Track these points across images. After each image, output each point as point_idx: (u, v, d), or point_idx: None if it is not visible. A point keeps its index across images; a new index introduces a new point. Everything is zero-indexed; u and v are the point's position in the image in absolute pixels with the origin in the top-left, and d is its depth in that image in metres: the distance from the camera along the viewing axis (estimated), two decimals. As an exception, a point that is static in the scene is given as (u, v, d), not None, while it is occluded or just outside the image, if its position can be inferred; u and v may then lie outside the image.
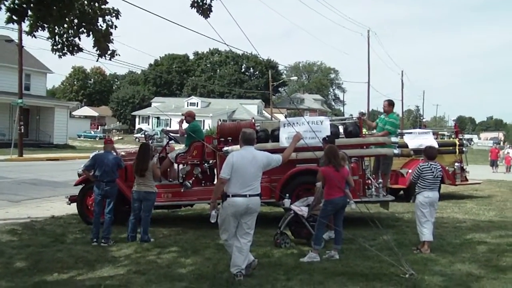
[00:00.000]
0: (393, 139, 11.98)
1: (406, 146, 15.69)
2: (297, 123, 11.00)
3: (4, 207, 13.83)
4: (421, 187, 9.22)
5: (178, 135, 12.36)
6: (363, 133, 12.49)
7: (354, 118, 12.22)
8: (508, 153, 33.27)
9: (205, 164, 11.51)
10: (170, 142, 12.27)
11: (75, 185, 11.81)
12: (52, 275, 7.40)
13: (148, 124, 77.85)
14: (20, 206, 14.07)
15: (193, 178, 11.37)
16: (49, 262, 8.07)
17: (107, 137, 11.34)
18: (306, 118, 11.84)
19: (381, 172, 12.36)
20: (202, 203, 12.43)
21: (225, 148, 10.89)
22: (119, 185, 10.64)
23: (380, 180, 11.73)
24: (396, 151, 11.84)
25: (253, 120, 12.04)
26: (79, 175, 11.75)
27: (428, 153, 9.51)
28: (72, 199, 11.63)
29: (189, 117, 12.09)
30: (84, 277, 7.36)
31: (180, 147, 12.42)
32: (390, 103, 13.00)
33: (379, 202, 11.89)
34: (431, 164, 9.23)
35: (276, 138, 11.22)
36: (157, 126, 71.25)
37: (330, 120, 11.62)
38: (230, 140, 11.31)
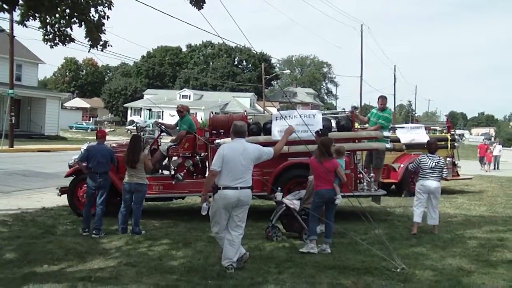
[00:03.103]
0: (385, 133, 11.99)
1: (398, 140, 15.69)
2: (289, 116, 10.98)
3: (-7, 198, 13.76)
4: (419, 176, 10.26)
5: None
6: (355, 127, 12.50)
7: (347, 112, 12.21)
8: (491, 150, 32.95)
9: (197, 157, 11.48)
10: (161, 134, 12.23)
11: (66, 176, 11.76)
12: (42, 266, 7.36)
13: (140, 116, 77.58)
14: (11, 198, 13.99)
15: (185, 171, 11.35)
16: (39, 254, 8.03)
17: (99, 129, 11.26)
18: (298, 111, 11.80)
19: (373, 166, 12.36)
20: (193, 196, 12.42)
21: (217, 141, 10.85)
22: (110, 178, 10.63)
23: (372, 174, 11.73)
24: (388, 145, 11.85)
25: (245, 113, 12.01)
26: (70, 166, 11.70)
27: (428, 147, 10.53)
28: (62, 191, 11.59)
29: (186, 111, 12.04)
30: (74, 269, 7.33)
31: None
32: (386, 99, 13.12)
33: (370, 196, 11.89)
34: (428, 156, 10.12)
35: (268, 131, 11.18)
36: (149, 118, 71.03)
37: (322, 114, 11.61)
38: (222, 133, 11.28)
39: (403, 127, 17.40)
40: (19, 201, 13.15)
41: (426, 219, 10.25)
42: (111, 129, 73.15)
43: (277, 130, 10.91)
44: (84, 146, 11.88)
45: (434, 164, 10.02)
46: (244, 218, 7.33)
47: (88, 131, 69.78)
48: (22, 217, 11.02)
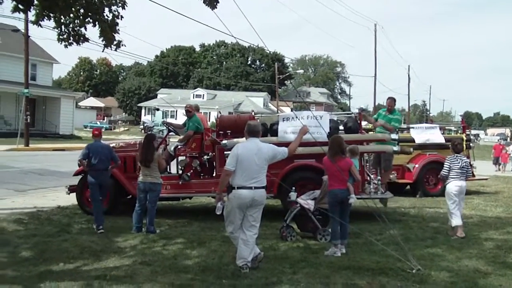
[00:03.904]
0: (393, 136, 11.87)
1: (412, 141, 15.60)
2: (296, 117, 10.98)
3: (10, 196, 13.88)
4: (451, 177, 9.92)
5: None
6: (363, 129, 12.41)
7: (354, 114, 12.15)
8: (506, 150, 32.25)
9: (204, 157, 11.45)
10: (169, 133, 12.24)
11: (75, 175, 11.84)
12: (57, 265, 7.41)
13: (154, 116, 77.84)
14: (26, 196, 14.10)
15: (191, 171, 11.34)
16: (55, 252, 8.08)
17: (95, 128, 11.46)
18: (305, 113, 11.72)
19: (382, 169, 12.26)
20: (200, 196, 12.57)
21: (224, 142, 10.84)
22: (118, 177, 11.00)
23: (379, 177, 11.66)
24: (395, 148, 11.73)
25: (253, 113, 12.03)
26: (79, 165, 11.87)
27: (455, 147, 10.20)
28: (71, 189, 11.66)
29: (194, 110, 12.07)
30: (89, 267, 7.36)
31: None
32: (395, 101, 13.08)
33: (377, 199, 11.73)
34: (457, 156, 9.99)
35: (275, 133, 11.13)
36: (163, 118, 71.30)
37: (330, 115, 11.57)
38: (229, 133, 11.28)
39: (413, 127, 17.34)
40: (34, 200, 13.25)
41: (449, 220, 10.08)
42: (125, 129, 73.52)
43: (284, 132, 10.89)
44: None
45: (463, 164, 9.95)
46: (258, 218, 7.32)
47: (103, 130, 69.94)
48: (38, 216, 11.10)
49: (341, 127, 11.85)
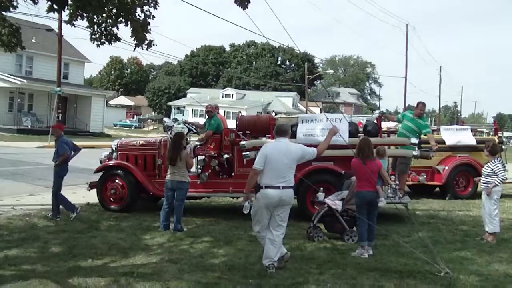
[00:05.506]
0: (413, 140, 11.70)
1: (443, 142, 15.39)
2: (315, 120, 10.93)
3: (41, 193, 14.13)
4: (502, 180, 9.55)
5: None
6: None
7: (374, 116, 12.04)
8: None
9: (223, 157, 11.46)
10: (189, 133, 12.26)
11: (95, 172, 12.02)
12: (86, 261, 7.51)
13: (183, 115, 78.37)
14: (57, 192, 14.27)
15: (210, 170, 11.39)
16: (84, 248, 8.20)
17: (60, 125, 12.21)
18: (324, 115, 11.65)
19: (399, 172, 12.11)
20: (218, 196, 12.68)
21: (242, 142, 10.82)
22: (137, 175, 11.38)
23: (397, 182, 11.51)
24: (415, 152, 11.56)
25: (273, 114, 11.99)
26: (101, 162, 12.03)
27: (492, 150, 9.81)
28: (92, 185, 11.85)
29: (215, 110, 12.16)
30: (117, 264, 7.45)
31: None
32: (425, 106, 12.99)
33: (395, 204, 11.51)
34: (500, 159, 9.77)
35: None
36: (192, 117, 71.87)
37: (350, 117, 11.48)
38: (248, 134, 11.27)
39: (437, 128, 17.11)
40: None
41: (485, 225, 9.76)
42: (155, 127, 74.14)
43: (302, 134, 10.85)
44: (113, 143, 12.19)
45: None
46: (285, 217, 7.31)
47: (132, 128, 70.77)
48: (68, 212, 11.24)
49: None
